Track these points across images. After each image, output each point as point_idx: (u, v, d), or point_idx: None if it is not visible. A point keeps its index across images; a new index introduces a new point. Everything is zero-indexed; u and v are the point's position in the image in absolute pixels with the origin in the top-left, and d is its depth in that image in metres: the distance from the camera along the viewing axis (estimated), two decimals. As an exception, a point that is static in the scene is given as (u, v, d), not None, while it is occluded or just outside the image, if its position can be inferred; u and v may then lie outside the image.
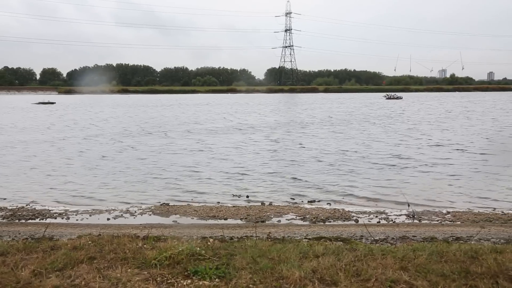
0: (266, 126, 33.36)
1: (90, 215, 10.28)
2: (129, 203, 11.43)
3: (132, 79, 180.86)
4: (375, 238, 6.99)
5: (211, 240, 5.22)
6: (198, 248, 4.56)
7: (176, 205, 11.11)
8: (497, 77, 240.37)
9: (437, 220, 9.74)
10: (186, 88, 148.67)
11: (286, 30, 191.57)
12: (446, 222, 9.60)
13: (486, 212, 10.43)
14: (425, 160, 17.30)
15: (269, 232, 7.73)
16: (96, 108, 60.35)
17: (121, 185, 13.66)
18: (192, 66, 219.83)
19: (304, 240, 5.87)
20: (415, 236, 7.27)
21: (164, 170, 15.81)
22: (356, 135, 26.34)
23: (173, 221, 9.77)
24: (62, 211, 10.54)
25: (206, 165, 16.86)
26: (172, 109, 58.70)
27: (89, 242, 5.01)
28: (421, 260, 4.26)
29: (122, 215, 10.32)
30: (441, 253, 4.35)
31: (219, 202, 11.45)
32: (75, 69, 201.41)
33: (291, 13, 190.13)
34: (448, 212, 10.37)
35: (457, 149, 20.34)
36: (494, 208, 10.78)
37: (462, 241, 5.62)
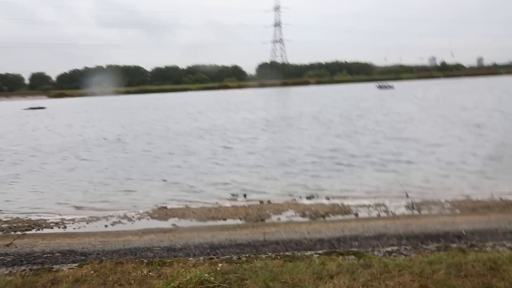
0: (257, 123, 33.16)
1: (88, 223, 10.14)
2: (125, 208, 11.30)
3: (123, 80, 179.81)
4: (379, 233, 6.93)
5: (219, 265, 4.91)
6: (206, 275, 4.43)
7: (174, 208, 11.00)
8: (487, 62, 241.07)
9: (437, 210, 9.71)
10: (177, 87, 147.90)
11: (275, 25, 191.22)
12: (445, 211, 9.58)
13: (483, 199, 10.42)
14: (419, 149, 17.32)
15: (265, 233, 7.67)
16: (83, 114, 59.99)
17: (112, 190, 13.47)
18: (182, 64, 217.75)
19: (314, 256, 5.74)
20: (418, 230, 7.21)
21: (159, 172, 15.70)
22: (346, 129, 25.99)
23: (172, 225, 9.67)
24: (59, 220, 10.40)
25: (199, 165, 16.70)
26: (171, 111, 58.40)
27: (91, 272, 4.84)
28: (440, 275, 4.09)
29: (119, 221, 10.20)
30: (459, 266, 4.21)
31: (217, 203, 11.36)
32: (65, 72, 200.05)
33: (279, 7, 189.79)
34: (447, 201, 10.35)
35: (449, 137, 20.36)
36: (492, 194, 10.77)
37: (477, 248, 5.47)
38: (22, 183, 15.06)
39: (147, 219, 10.28)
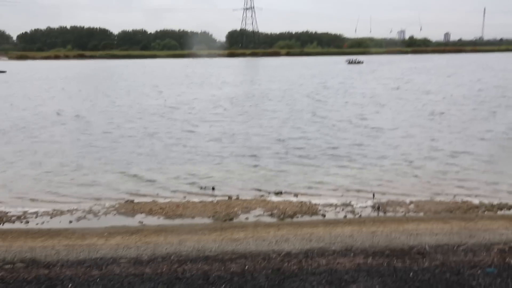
0: (222, 101, 32.79)
1: (51, 217, 9.90)
2: (90, 201, 11.07)
3: (88, 42, 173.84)
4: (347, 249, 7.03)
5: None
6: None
7: (141, 202, 10.84)
8: (453, 37, 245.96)
9: (402, 212, 9.94)
10: (146, 53, 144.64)
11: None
12: (410, 214, 9.82)
13: (446, 200, 10.71)
14: (385, 141, 17.57)
15: (234, 239, 7.68)
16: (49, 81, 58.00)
17: (70, 180, 13.08)
18: (150, 29, 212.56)
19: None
20: (384, 243, 7.36)
21: (121, 159, 15.41)
22: (312, 113, 25.89)
23: (139, 222, 9.55)
24: (21, 213, 10.12)
25: (164, 152, 16.45)
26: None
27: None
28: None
29: (85, 216, 10.00)
30: None
31: (185, 197, 11.27)
32: (26, 32, 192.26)
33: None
34: (411, 202, 10.58)
35: (415, 128, 20.75)
36: (454, 196, 11.09)
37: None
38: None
39: (114, 214, 10.11)
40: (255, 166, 14.20)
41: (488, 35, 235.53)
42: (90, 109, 28.93)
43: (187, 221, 9.62)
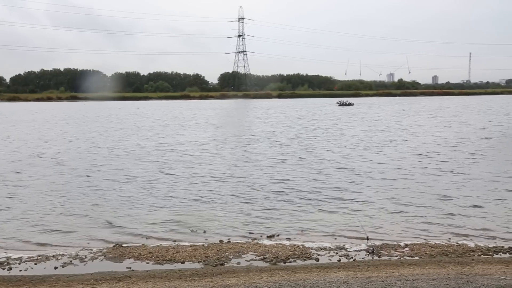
0: (207, 144, 32.69)
1: (36, 263, 9.55)
2: (77, 245, 10.75)
3: (81, 84, 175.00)
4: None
5: None
6: None
7: (130, 247, 10.54)
8: (441, 80, 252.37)
9: (396, 256, 9.73)
10: (139, 95, 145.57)
11: (239, 36, 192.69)
12: (405, 257, 9.60)
13: (441, 243, 10.54)
14: (374, 184, 17.45)
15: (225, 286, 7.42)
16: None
17: (65, 220, 12.85)
18: (143, 71, 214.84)
19: None
20: None
21: (108, 200, 15.12)
22: (299, 155, 25.53)
23: (127, 268, 9.23)
24: (4, 260, 9.77)
25: (151, 192, 16.26)
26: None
27: None
28: None
29: (71, 261, 9.66)
30: None
31: (175, 241, 10.98)
32: (20, 74, 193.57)
33: (243, 18, 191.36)
34: (406, 245, 10.40)
35: (406, 169, 20.74)
36: (449, 239, 10.93)
37: None
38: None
39: (101, 259, 9.78)
40: (245, 207, 13.99)
41: (475, 79, 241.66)
42: (70, 150, 28.38)
43: (177, 266, 9.33)
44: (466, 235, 11.13)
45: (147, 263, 9.54)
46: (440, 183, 17.04)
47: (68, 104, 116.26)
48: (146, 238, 11.31)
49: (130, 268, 9.24)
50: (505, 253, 9.85)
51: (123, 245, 10.72)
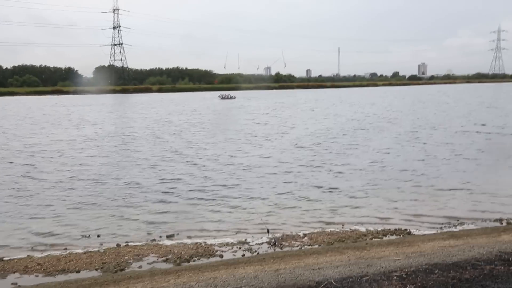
0: (89, 142, 30.92)
1: None
2: None
3: None
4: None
5: None
6: None
7: (13, 260, 9.42)
8: (314, 73, 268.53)
9: (298, 246, 10.00)
10: (2, 90, 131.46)
11: (114, 27, 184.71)
12: (306, 247, 9.90)
13: (337, 230, 11.10)
14: (268, 182, 17.87)
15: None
16: None
17: None
18: (5, 64, 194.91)
19: None
20: (290, 281, 7.23)
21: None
22: (181, 153, 24.99)
23: (12, 284, 8.22)
24: None
25: (24, 200, 14.70)
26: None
27: None
28: None
29: None
30: None
31: (66, 249, 10.06)
32: None
33: (119, 9, 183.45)
34: (305, 235, 10.75)
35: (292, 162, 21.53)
36: (343, 225, 11.54)
37: None
38: None
39: (-22, 277, 8.59)
40: (139, 211, 13.30)
41: (344, 72, 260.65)
42: None
43: (72, 276, 8.54)
44: (358, 222, 11.84)
45: (36, 276, 8.60)
46: (324, 174, 17.93)
47: None
48: (32, 249, 10.22)
49: (16, 284, 8.24)
50: (392, 235, 10.66)
51: (4, 258, 9.53)
